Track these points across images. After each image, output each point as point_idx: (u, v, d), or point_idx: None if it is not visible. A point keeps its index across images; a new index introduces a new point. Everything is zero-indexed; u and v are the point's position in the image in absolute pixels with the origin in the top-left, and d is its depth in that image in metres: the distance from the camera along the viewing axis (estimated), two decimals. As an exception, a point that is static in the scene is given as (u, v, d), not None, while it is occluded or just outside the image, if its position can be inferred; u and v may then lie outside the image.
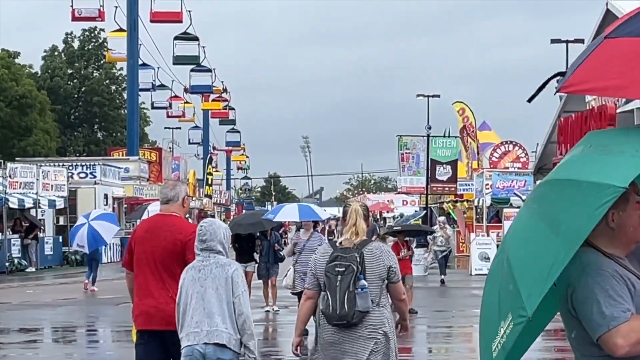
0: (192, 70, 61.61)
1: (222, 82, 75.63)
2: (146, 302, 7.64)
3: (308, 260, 14.72)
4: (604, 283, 3.46)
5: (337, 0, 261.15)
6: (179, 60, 56.55)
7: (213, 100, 74.69)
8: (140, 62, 58.44)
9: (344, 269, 6.97)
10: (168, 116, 74.03)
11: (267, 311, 19.84)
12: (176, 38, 55.05)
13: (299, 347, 7.46)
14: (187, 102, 74.52)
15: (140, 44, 57.53)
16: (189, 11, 52.63)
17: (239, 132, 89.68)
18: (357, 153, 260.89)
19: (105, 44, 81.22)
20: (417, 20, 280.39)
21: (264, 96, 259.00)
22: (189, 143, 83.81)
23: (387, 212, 69.29)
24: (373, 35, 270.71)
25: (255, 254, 20.29)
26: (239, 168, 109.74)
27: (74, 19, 48.89)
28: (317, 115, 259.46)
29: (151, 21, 51.35)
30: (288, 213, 18.82)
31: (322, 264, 7.14)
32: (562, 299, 3.60)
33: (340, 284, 6.95)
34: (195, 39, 55.36)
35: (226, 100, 79.31)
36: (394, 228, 22.74)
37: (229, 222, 19.95)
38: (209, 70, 62.75)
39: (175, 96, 71.66)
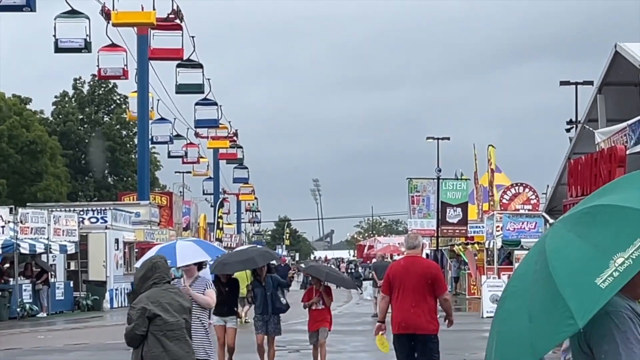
0: (197, 103, 59.53)
1: (229, 122, 75.38)
2: (404, 316, 10.83)
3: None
4: (622, 326, 3.46)
5: (366, 49, 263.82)
6: (181, 89, 53.19)
7: (220, 138, 74.66)
8: (158, 117, 59.00)
9: None
10: (183, 162, 74.37)
11: None
12: (179, 66, 51.68)
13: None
14: (201, 157, 74.88)
15: (158, 100, 57.96)
16: (192, 37, 50.26)
17: (246, 168, 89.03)
18: (367, 196, 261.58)
19: (115, 88, 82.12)
20: (436, 70, 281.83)
21: (275, 141, 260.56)
22: (203, 194, 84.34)
23: (398, 254, 69.05)
24: (398, 83, 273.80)
25: (247, 302, 16.70)
26: (247, 210, 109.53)
27: (100, 77, 51.16)
28: (328, 158, 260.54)
29: (150, 58, 49.31)
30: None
31: None
32: (577, 335, 3.58)
33: None
34: (199, 66, 52.15)
35: (234, 140, 79.18)
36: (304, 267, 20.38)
37: (212, 264, 15.45)
38: (215, 104, 60.48)
39: (191, 143, 71.97)
